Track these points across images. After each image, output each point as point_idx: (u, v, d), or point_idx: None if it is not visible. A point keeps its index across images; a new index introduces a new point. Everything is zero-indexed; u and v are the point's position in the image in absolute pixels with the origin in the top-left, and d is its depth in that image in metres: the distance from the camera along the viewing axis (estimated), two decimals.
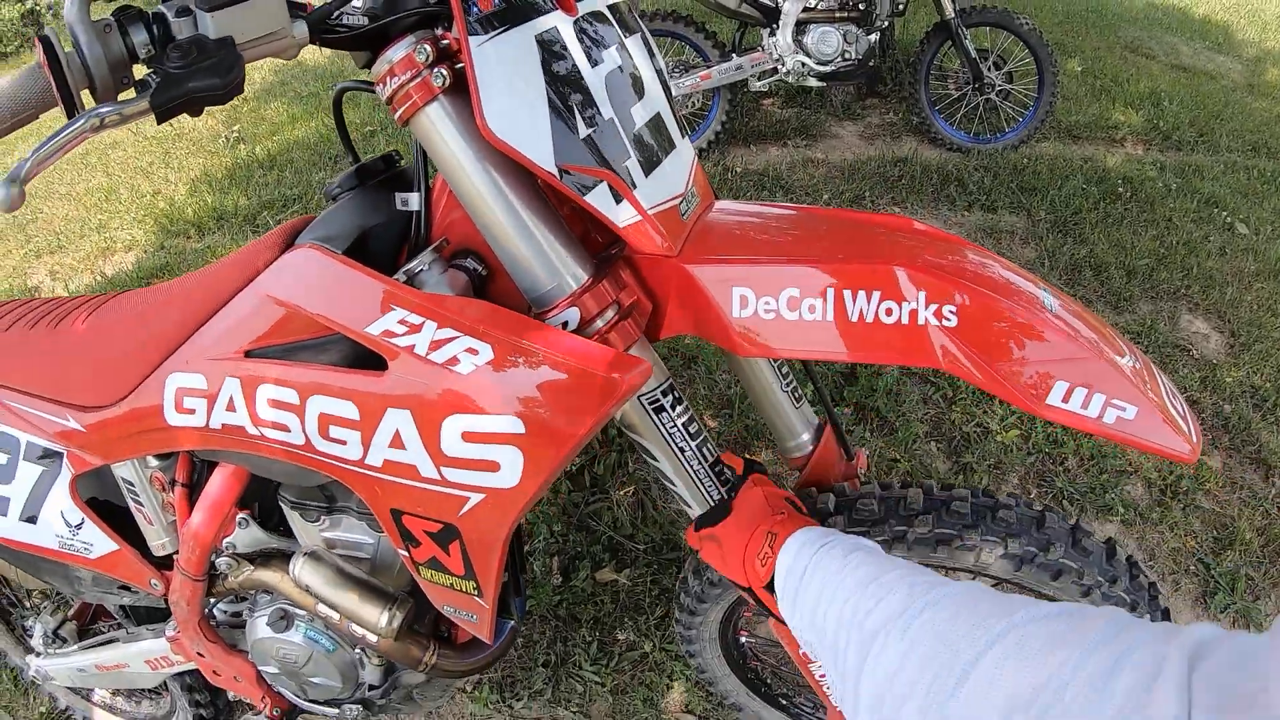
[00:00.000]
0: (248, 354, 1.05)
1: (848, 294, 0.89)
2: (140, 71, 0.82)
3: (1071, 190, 3.88)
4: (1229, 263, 3.43)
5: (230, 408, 1.06)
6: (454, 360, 0.88)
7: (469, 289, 1.02)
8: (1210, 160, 4.46)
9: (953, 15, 4.09)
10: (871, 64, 4.20)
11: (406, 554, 1.07)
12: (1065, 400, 0.82)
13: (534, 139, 0.87)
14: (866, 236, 0.99)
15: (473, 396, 0.88)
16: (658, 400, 1.04)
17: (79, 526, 1.35)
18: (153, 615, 1.70)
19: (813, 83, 4.16)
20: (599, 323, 0.95)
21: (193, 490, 1.29)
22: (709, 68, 4.13)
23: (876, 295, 0.88)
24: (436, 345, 0.89)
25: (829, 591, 0.78)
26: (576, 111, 0.91)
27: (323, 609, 1.27)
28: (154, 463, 1.30)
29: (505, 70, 0.86)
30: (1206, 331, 3.03)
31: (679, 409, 1.06)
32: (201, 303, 1.11)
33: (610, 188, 0.92)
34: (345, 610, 1.25)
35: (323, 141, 5.12)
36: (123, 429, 1.22)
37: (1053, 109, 4.29)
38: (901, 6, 4.17)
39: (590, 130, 0.92)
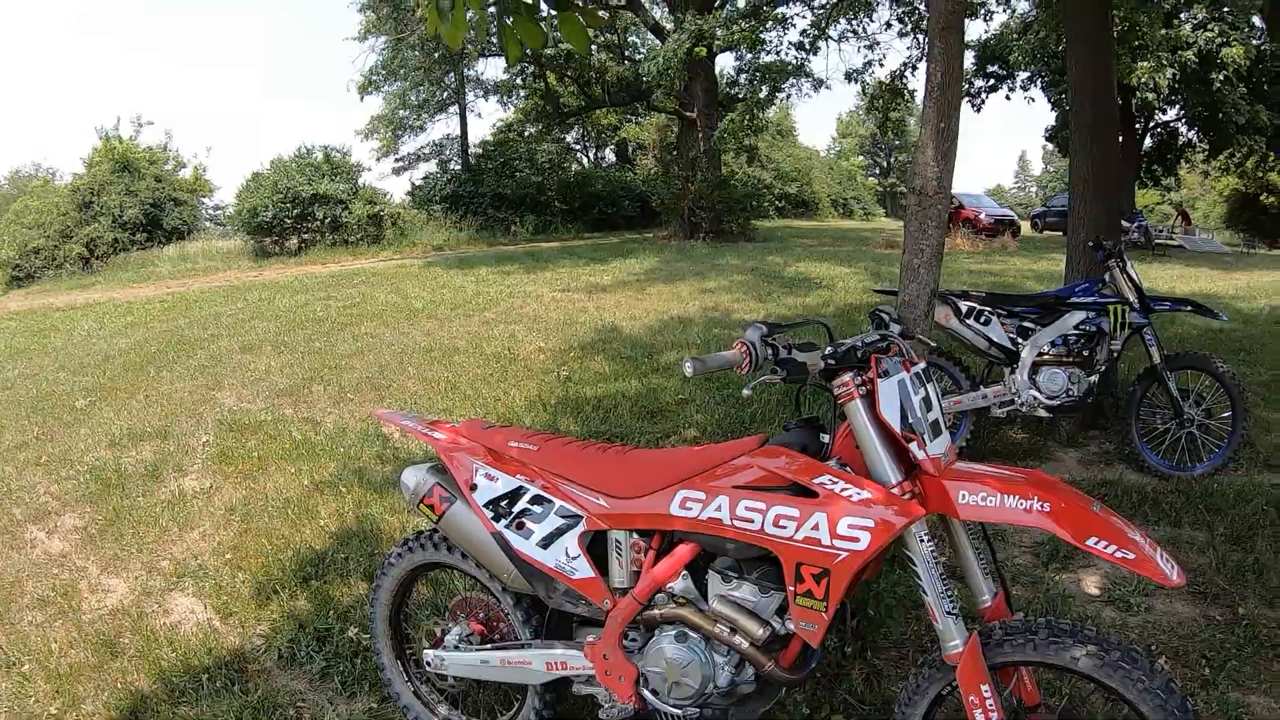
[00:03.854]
0: (735, 487, 2.22)
1: (1009, 497, 1.97)
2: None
3: (1252, 510, 4.39)
4: None
5: (718, 509, 2.20)
6: (851, 495, 2.04)
7: None
8: None
9: (1159, 361, 5.13)
10: (1091, 400, 5.14)
11: (792, 589, 2.08)
12: (1098, 545, 1.89)
13: (893, 420, 2.07)
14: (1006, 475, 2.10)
15: (856, 510, 2.02)
16: (922, 538, 2.10)
17: (574, 559, 2.45)
18: (552, 633, 2.68)
19: (1042, 413, 5.13)
20: (905, 497, 2.07)
21: (657, 555, 2.38)
22: (960, 394, 5.35)
23: (1016, 498, 1.98)
24: (845, 489, 2.06)
25: None
26: (908, 414, 2.10)
27: (719, 628, 2.26)
28: (635, 535, 2.42)
29: (887, 392, 2.08)
30: None
31: (932, 544, 2.11)
32: (702, 461, 2.33)
33: (916, 445, 2.08)
34: (741, 626, 2.23)
35: (640, 398, 6.34)
36: (634, 512, 2.38)
37: (1246, 440, 5.03)
38: (1116, 355, 5.21)
39: (911, 421, 2.09)
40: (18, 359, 9.70)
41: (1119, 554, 1.87)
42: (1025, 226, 31.35)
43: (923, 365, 2.25)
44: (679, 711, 2.38)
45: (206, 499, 5.04)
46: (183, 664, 3.39)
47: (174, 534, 4.64)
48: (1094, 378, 5.11)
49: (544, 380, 6.94)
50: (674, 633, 2.34)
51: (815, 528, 2.03)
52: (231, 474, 5.36)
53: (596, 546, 2.47)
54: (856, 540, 1.99)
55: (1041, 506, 1.95)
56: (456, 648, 2.79)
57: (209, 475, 5.41)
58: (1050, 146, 33.42)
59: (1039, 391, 5.09)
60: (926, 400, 2.17)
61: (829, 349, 2.14)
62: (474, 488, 2.59)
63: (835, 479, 2.08)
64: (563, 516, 2.47)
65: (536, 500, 2.52)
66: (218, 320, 11.00)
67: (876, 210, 59.20)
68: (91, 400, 7.38)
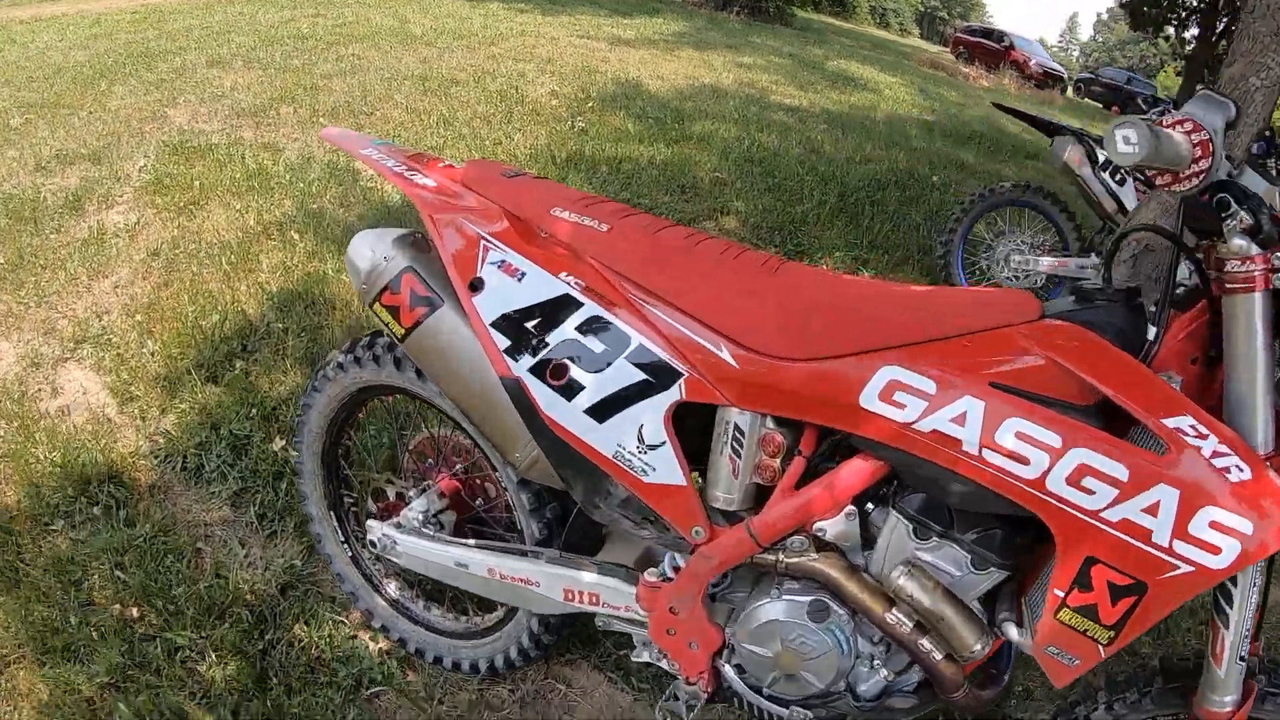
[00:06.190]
0: (994, 386, 1.18)
1: None
2: None
3: None
4: None
5: (958, 421, 1.18)
6: (1227, 470, 1.10)
7: None
8: None
9: None
10: None
11: (1060, 594, 1.19)
12: None
13: None
14: None
15: (1233, 498, 1.09)
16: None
17: (654, 448, 1.35)
18: (573, 537, 1.66)
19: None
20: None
21: (807, 467, 1.32)
22: (1066, 255, 4.23)
23: None
24: (1217, 455, 1.11)
25: None
26: None
27: (893, 616, 1.30)
28: (771, 424, 1.32)
29: None
30: None
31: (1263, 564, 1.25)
32: (942, 319, 1.23)
33: None
34: (945, 623, 1.28)
35: (668, 167, 5.20)
36: (789, 387, 1.26)
37: None
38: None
39: None
40: None
41: None
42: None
43: None
44: (781, 711, 1.44)
45: (129, 238, 4.01)
46: (62, 472, 2.50)
47: (82, 283, 3.65)
48: None
49: (555, 128, 5.78)
50: (808, 599, 1.35)
51: (1152, 510, 1.12)
52: (165, 207, 4.29)
53: (687, 428, 1.39)
54: (1216, 551, 1.10)
55: None
56: (419, 530, 1.75)
57: (138, 208, 4.34)
58: (1107, 16, 30.72)
59: None
60: None
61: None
62: (477, 285, 1.46)
63: (1197, 424, 1.13)
64: (638, 366, 1.35)
65: (595, 325, 1.38)
66: (189, 33, 9.58)
67: (912, 29, 57.09)
68: (28, 118, 6.19)
